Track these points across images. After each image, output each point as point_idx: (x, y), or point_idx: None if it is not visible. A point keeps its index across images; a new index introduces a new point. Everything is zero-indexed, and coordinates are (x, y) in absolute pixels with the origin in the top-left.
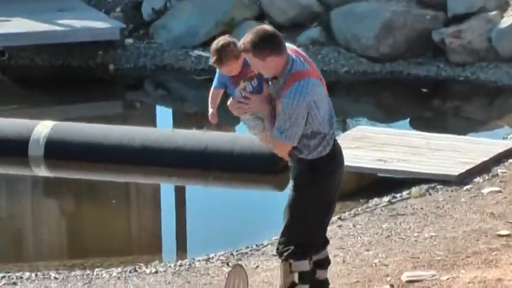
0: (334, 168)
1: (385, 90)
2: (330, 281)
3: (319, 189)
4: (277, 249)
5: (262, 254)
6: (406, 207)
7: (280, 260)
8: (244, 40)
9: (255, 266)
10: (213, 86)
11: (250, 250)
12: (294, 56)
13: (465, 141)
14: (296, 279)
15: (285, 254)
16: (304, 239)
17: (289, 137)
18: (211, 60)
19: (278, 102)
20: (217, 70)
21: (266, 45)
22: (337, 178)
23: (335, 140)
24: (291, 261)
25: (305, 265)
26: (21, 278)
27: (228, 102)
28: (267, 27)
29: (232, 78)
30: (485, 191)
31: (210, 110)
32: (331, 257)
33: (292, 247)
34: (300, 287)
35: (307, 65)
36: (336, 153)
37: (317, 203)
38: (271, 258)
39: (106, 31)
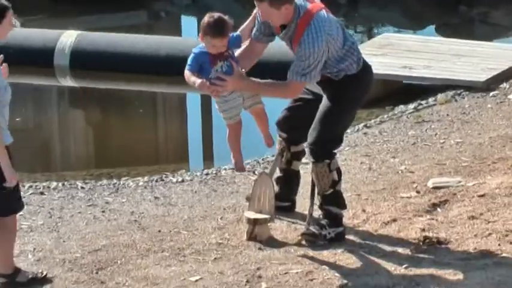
0: (366, 81)
1: None
2: (355, 188)
3: (354, 100)
4: (312, 151)
5: None
6: (432, 113)
7: (313, 165)
8: None
9: None
10: (188, 69)
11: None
12: None
13: (491, 47)
14: (336, 177)
15: (323, 155)
16: (335, 139)
17: (312, 77)
18: (210, 34)
19: (294, 46)
20: (195, 51)
21: None
22: (368, 88)
23: (363, 59)
24: (327, 161)
25: (338, 162)
26: (48, 187)
27: (198, 84)
28: None
29: (213, 57)
30: (511, 96)
31: (198, 80)
32: (357, 164)
33: (327, 147)
34: (340, 184)
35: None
36: (366, 68)
37: (351, 110)
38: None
39: None
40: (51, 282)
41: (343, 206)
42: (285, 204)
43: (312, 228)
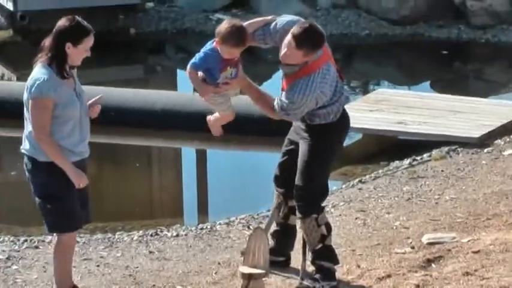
0: (344, 126)
1: (406, 53)
2: (350, 243)
3: (332, 146)
4: (299, 207)
5: None
6: (426, 169)
7: (301, 221)
8: (297, 32)
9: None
10: (193, 66)
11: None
12: None
13: (486, 103)
14: (325, 231)
15: (310, 210)
16: (321, 191)
17: (294, 117)
18: (231, 43)
19: (287, 81)
20: (207, 51)
21: (314, 47)
22: (344, 135)
23: (342, 111)
24: (315, 215)
25: (326, 216)
26: (43, 241)
27: (203, 91)
28: (317, 25)
29: (225, 63)
30: (506, 153)
31: (203, 86)
32: (351, 219)
33: (313, 202)
34: (330, 238)
35: (320, 50)
36: (344, 115)
37: (329, 158)
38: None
39: None
40: None
41: (335, 260)
42: (280, 259)
43: (306, 283)
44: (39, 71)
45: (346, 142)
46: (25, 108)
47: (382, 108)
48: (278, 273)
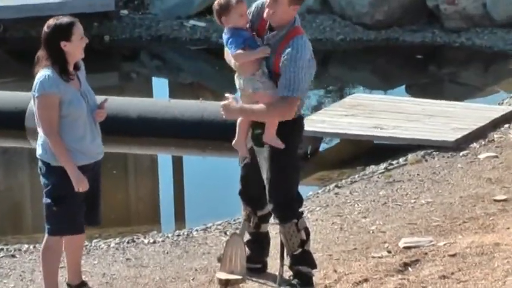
0: (302, 127)
1: (381, 57)
2: (327, 248)
3: (295, 151)
4: (278, 213)
5: None
6: (402, 173)
7: (281, 226)
8: None
9: None
10: (234, 50)
11: None
12: None
13: (461, 107)
14: (304, 236)
15: (290, 215)
16: (297, 197)
17: (301, 90)
18: (233, 2)
19: (278, 52)
20: (231, 35)
21: None
22: (302, 135)
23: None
24: (295, 220)
25: (305, 221)
26: (19, 250)
27: (261, 50)
28: None
29: (251, 30)
30: (481, 156)
31: (259, 48)
32: (328, 224)
33: (293, 207)
34: (309, 243)
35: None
36: (300, 116)
37: (297, 162)
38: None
39: (101, 2)
40: None
41: (313, 265)
42: (256, 266)
43: None
44: (41, 72)
45: (322, 147)
46: (35, 115)
47: (358, 113)
48: (255, 280)
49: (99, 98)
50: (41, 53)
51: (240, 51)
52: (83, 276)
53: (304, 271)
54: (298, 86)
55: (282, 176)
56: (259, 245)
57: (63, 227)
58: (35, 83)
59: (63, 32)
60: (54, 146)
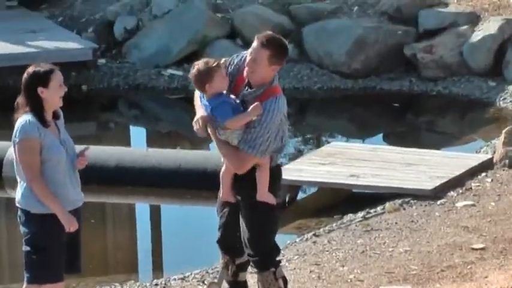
0: (280, 174)
1: (358, 106)
2: None
3: (276, 194)
4: (256, 262)
5: None
6: (380, 222)
7: (259, 274)
8: (262, 34)
9: None
10: (229, 118)
11: None
12: None
13: (438, 155)
14: (282, 285)
15: (267, 264)
16: (275, 246)
17: (260, 151)
18: (216, 66)
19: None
20: (218, 105)
21: (281, 48)
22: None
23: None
24: (273, 269)
25: (283, 270)
26: None
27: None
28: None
29: (230, 90)
30: (459, 204)
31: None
32: (306, 273)
33: (272, 256)
34: None
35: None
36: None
37: (276, 207)
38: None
39: (79, 52)
40: None
41: None
42: None
43: None
44: (21, 118)
45: (300, 196)
46: (15, 162)
47: (335, 161)
48: None
49: (78, 148)
50: (20, 100)
51: (232, 119)
52: None
53: None
54: (259, 147)
55: (261, 225)
56: None
57: (42, 274)
58: (15, 129)
59: (41, 78)
60: (39, 190)
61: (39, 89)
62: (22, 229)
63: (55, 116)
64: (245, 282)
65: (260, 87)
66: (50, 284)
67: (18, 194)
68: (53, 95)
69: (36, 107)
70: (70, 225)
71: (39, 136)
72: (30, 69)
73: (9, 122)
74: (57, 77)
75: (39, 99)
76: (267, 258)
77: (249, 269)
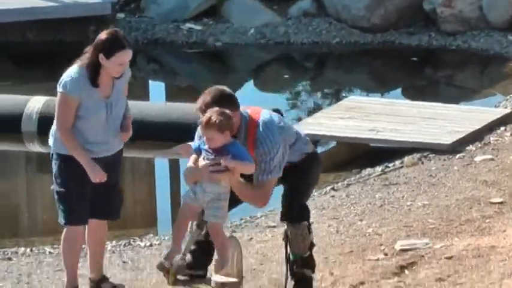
0: (320, 162)
1: (377, 60)
2: (323, 251)
3: (316, 177)
4: (292, 214)
5: (256, 226)
6: (398, 176)
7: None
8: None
9: (249, 238)
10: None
11: (244, 222)
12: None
13: (457, 109)
14: (313, 239)
15: (302, 217)
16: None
17: (277, 172)
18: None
19: (250, 150)
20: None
21: (228, 117)
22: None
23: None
24: (306, 222)
25: None
26: (16, 253)
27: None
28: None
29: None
30: (477, 159)
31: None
32: (324, 227)
33: (304, 210)
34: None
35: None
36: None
37: (313, 186)
38: (265, 230)
39: (97, 6)
40: None
41: (314, 269)
42: (199, 273)
43: None
44: (71, 70)
45: (319, 150)
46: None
47: (354, 115)
48: (249, 281)
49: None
50: (88, 49)
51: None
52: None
53: (308, 274)
54: (270, 169)
55: (302, 187)
56: (205, 253)
57: (63, 215)
58: (63, 76)
59: (106, 48)
60: (68, 141)
61: (100, 55)
62: (51, 169)
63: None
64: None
65: (240, 130)
66: (70, 226)
67: (50, 135)
68: (110, 68)
69: (92, 67)
70: (96, 176)
71: (79, 95)
72: (108, 33)
73: (30, 76)
74: (123, 56)
75: (97, 62)
76: (304, 210)
77: (268, 223)
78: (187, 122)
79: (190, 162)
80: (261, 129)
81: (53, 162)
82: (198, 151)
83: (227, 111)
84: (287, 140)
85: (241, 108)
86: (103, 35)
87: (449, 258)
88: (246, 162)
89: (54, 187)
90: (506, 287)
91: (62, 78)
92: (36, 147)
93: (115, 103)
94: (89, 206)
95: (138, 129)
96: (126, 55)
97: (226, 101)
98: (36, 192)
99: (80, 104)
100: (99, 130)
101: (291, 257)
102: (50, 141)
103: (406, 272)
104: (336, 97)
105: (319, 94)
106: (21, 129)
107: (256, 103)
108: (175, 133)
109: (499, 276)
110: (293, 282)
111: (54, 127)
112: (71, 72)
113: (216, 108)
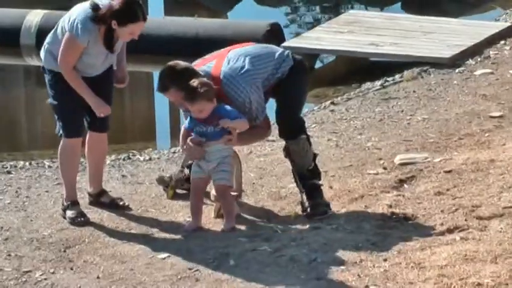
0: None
1: None
2: (323, 164)
3: (306, 83)
4: (290, 128)
5: None
6: (398, 90)
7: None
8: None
9: (248, 151)
10: None
11: None
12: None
13: (457, 23)
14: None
15: (300, 132)
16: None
17: (263, 108)
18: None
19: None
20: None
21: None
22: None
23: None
24: (304, 136)
25: None
26: (15, 166)
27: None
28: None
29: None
30: (477, 72)
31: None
32: (324, 141)
33: (300, 125)
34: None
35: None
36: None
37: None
38: (264, 143)
39: None
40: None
41: (320, 176)
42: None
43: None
44: (85, 16)
45: (318, 64)
46: (60, 27)
47: (354, 29)
48: (250, 196)
49: None
50: (104, 7)
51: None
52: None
53: (318, 184)
54: (258, 116)
55: (294, 99)
56: None
57: (64, 129)
58: (75, 16)
59: (121, 17)
60: (70, 80)
61: (114, 22)
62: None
63: None
64: None
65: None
66: (65, 138)
67: (42, 50)
68: (120, 34)
69: (107, 32)
70: (100, 110)
71: (87, 43)
72: (125, 3)
73: None
74: (134, 28)
75: (110, 26)
76: (299, 123)
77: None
78: (185, 36)
79: (182, 142)
80: (224, 86)
81: (45, 76)
82: (190, 130)
83: (204, 79)
84: (258, 78)
85: (206, 60)
86: (120, 3)
87: (448, 172)
88: (238, 119)
89: (50, 100)
90: (505, 200)
91: (74, 18)
92: (34, 61)
93: (115, 50)
94: (84, 120)
95: (137, 43)
96: (138, 27)
97: (188, 73)
98: (35, 106)
99: (84, 48)
100: (94, 66)
101: (297, 172)
102: (42, 54)
103: (405, 185)
104: (336, 11)
105: (318, 8)
106: (19, 42)
107: (255, 17)
108: (173, 46)
109: (497, 189)
110: (305, 196)
111: (48, 40)
112: (85, 20)
113: (195, 80)
